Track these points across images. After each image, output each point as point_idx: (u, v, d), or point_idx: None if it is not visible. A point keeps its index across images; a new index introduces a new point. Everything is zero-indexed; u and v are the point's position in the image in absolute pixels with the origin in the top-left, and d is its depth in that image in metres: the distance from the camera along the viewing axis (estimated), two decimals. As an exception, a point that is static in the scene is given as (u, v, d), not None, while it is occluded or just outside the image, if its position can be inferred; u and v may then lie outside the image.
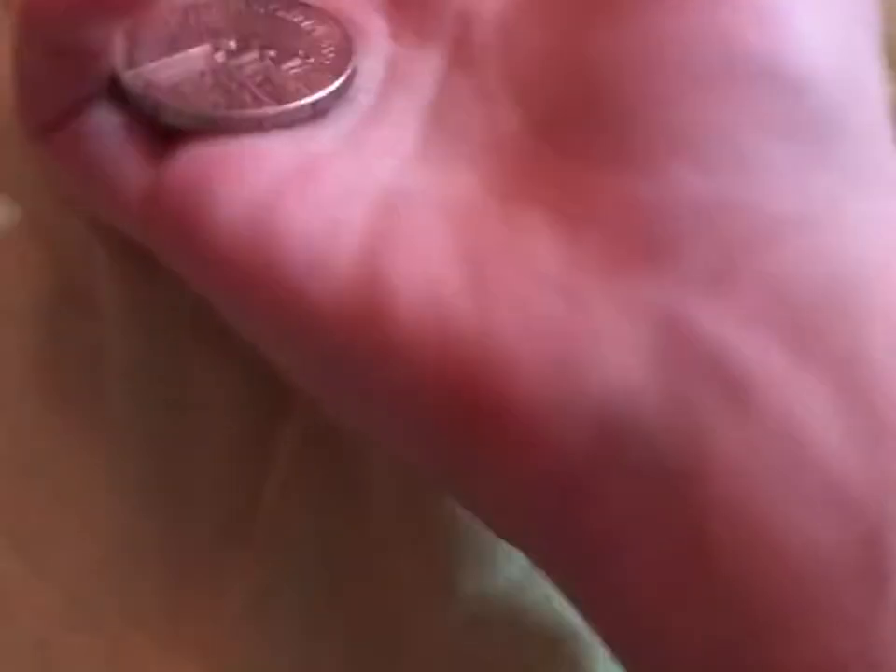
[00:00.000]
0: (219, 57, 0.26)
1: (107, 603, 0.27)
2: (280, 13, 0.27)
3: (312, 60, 0.26)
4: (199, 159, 0.24)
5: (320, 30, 0.27)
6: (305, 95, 0.25)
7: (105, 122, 0.25)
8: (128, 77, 0.25)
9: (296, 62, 0.26)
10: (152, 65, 0.25)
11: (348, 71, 0.26)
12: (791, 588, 0.21)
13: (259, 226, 0.23)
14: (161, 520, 0.28)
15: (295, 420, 0.28)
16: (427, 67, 0.26)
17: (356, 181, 0.24)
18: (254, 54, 0.26)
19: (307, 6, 0.27)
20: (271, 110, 0.25)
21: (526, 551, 0.23)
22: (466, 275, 0.22)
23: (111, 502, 0.28)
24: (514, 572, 0.27)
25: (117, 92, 0.25)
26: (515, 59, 0.25)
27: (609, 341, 0.21)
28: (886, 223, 0.22)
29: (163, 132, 0.25)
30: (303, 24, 0.27)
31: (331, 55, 0.26)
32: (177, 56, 0.26)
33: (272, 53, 0.26)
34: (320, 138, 0.25)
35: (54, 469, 0.28)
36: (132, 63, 0.25)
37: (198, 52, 0.26)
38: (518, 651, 0.27)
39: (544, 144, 0.24)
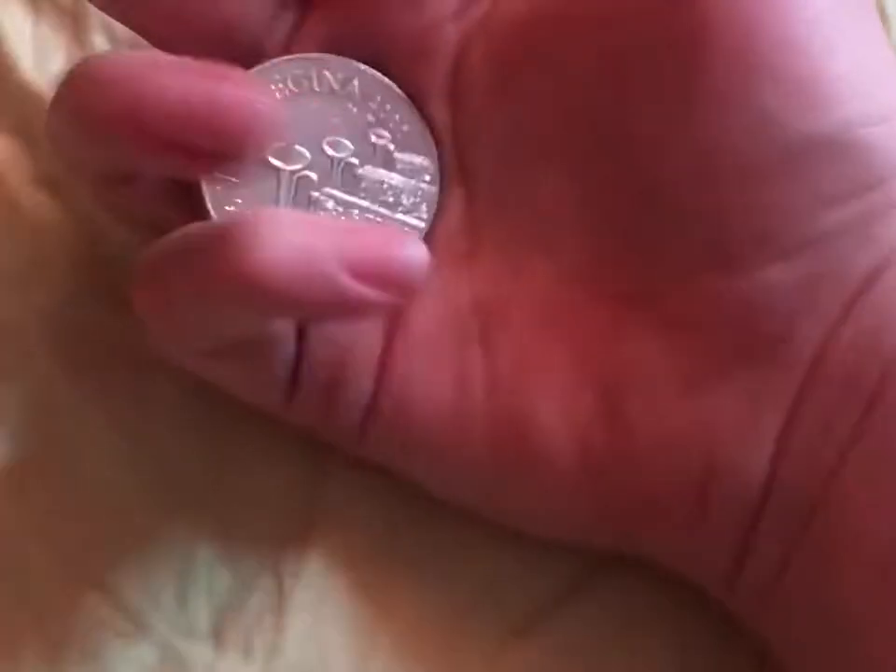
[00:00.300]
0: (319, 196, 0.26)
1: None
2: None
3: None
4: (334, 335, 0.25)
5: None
6: (416, 223, 0.26)
7: None
8: None
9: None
10: None
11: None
12: None
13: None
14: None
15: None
16: (438, 125, 0.26)
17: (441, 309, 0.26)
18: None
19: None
20: None
21: None
22: (599, 403, 0.24)
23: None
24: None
25: None
26: (538, 118, 0.26)
27: (742, 434, 0.23)
28: None
29: None
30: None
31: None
32: None
33: (356, 162, 0.26)
34: None
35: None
36: None
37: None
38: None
39: (614, 239, 0.25)
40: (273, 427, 0.28)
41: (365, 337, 0.26)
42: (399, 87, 0.27)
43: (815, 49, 0.23)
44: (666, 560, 0.25)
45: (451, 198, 0.26)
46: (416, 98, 0.27)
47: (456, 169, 0.26)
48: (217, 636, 0.27)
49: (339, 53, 0.27)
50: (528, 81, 0.26)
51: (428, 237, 0.26)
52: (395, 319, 0.26)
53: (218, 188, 0.26)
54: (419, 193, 0.26)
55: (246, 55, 0.26)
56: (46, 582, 0.27)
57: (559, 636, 0.27)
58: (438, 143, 0.27)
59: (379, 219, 0.26)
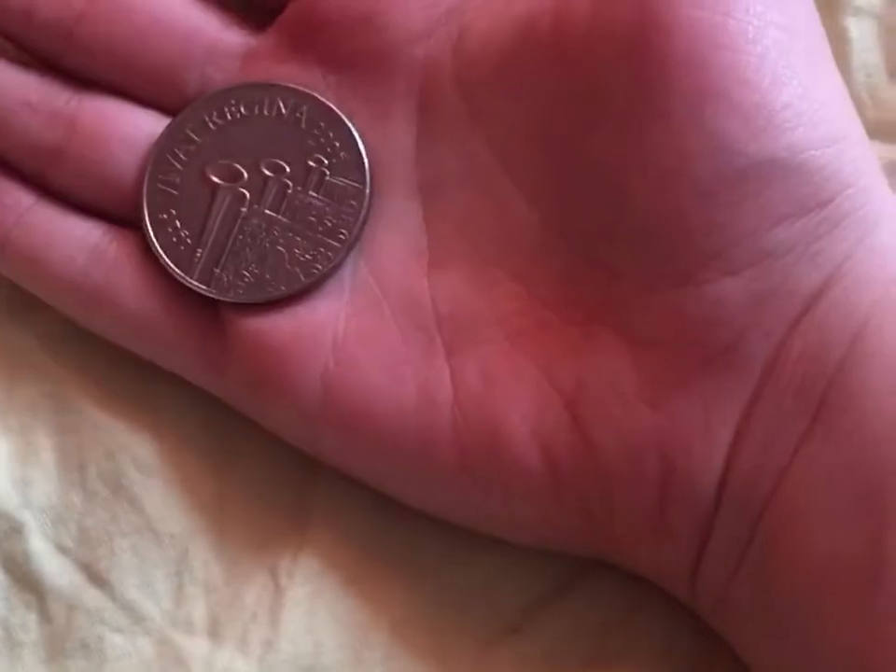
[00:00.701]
0: (248, 212, 0.27)
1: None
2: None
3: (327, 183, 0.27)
4: (264, 340, 0.26)
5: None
6: (333, 251, 0.27)
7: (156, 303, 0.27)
8: (195, 282, 0.27)
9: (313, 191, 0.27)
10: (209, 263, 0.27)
11: (367, 196, 0.27)
12: None
13: (335, 395, 0.26)
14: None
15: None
16: (403, 145, 0.27)
17: (406, 324, 0.26)
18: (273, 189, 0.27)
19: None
20: (300, 286, 0.27)
21: None
22: (563, 413, 0.25)
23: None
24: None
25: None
26: (503, 141, 0.27)
27: (698, 439, 0.24)
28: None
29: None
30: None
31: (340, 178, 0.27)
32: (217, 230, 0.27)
33: (289, 183, 0.27)
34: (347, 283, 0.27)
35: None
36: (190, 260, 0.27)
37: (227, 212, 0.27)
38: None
39: (578, 259, 0.26)
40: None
41: (305, 339, 0.26)
42: (361, 107, 0.28)
43: (765, 80, 0.24)
44: (634, 565, 0.26)
45: (410, 215, 0.27)
46: (377, 119, 0.27)
47: (418, 186, 0.27)
48: (214, 630, 0.27)
49: (294, 76, 0.28)
50: (495, 106, 0.27)
51: (378, 249, 0.27)
52: (350, 325, 0.26)
53: (157, 197, 0.27)
54: (342, 216, 0.27)
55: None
56: (46, 577, 0.28)
57: (551, 631, 0.27)
58: (398, 162, 0.27)
59: (299, 238, 0.27)
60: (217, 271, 0.27)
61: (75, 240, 0.28)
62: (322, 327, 0.26)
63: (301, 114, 0.28)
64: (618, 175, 0.25)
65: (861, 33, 0.31)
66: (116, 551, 0.28)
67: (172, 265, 0.27)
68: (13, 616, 0.28)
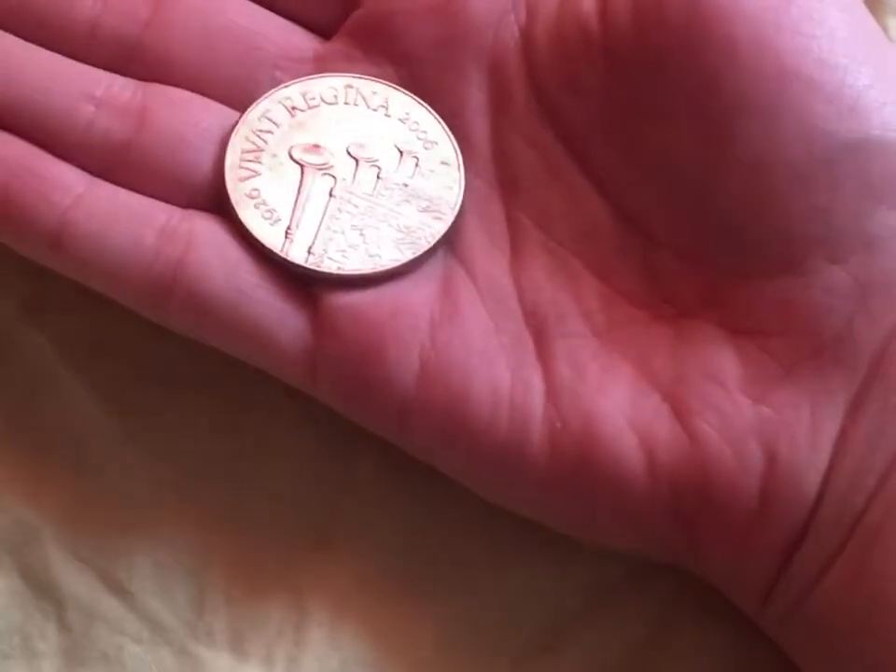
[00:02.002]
0: (341, 193, 0.27)
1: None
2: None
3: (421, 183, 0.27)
4: (363, 316, 0.26)
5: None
6: (430, 232, 0.26)
7: (247, 281, 0.26)
8: (292, 257, 0.26)
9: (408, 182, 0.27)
10: (305, 237, 0.26)
11: (461, 193, 0.27)
12: None
13: (430, 376, 0.25)
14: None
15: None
16: (479, 138, 0.27)
17: (496, 311, 0.26)
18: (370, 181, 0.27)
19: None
20: (403, 261, 0.26)
21: None
22: (662, 406, 0.25)
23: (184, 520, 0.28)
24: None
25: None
26: (574, 136, 0.26)
27: (804, 432, 0.24)
28: None
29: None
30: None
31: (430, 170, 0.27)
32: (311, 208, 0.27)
33: (380, 167, 0.27)
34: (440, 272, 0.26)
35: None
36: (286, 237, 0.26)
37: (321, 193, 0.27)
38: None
39: (662, 256, 0.25)
40: (291, 436, 0.28)
41: (403, 318, 0.26)
42: (435, 101, 0.27)
43: (841, 59, 0.24)
44: (708, 569, 0.26)
45: (491, 205, 0.27)
46: (451, 112, 0.27)
47: (496, 179, 0.27)
48: (236, 643, 0.27)
49: (368, 73, 0.28)
50: (563, 99, 0.26)
51: (462, 238, 0.27)
52: (445, 309, 0.26)
53: (242, 176, 0.26)
54: (440, 196, 0.27)
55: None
56: (65, 587, 0.27)
57: (586, 649, 0.27)
58: (476, 154, 0.27)
59: (396, 218, 0.26)
60: (316, 247, 0.26)
61: (141, 217, 0.26)
62: (420, 305, 0.26)
63: (385, 104, 0.27)
64: (701, 168, 0.25)
65: (903, 31, 0.31)
66: (136, 560, 0.27)
67: (266, 242, 0.26)
68: (31, 625, 0.27)
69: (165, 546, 0.28)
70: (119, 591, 0.27)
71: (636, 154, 0.26)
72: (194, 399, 0.28)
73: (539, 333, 0.26)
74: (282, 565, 0.28)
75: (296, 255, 0.26)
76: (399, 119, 0.27)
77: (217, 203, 0.27)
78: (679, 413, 0.25)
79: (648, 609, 0.27)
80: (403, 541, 0.27)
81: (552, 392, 0.25)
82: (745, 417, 0.24)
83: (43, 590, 0.27)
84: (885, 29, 0.31)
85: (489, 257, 0.26)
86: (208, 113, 0.27)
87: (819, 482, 0.24)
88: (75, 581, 0.27)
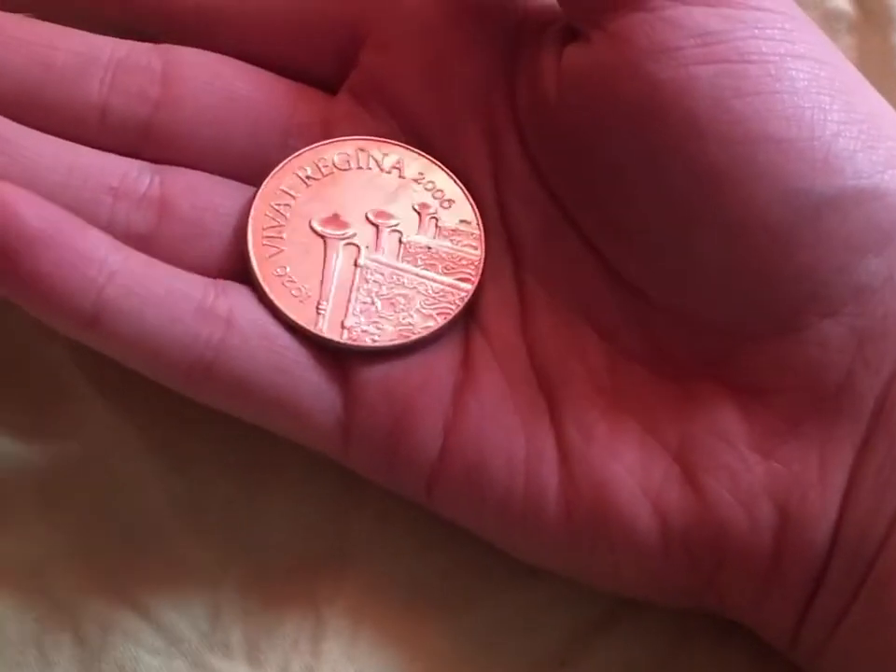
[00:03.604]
0: (367, 262, 0.27)
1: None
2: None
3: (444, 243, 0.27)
4: (394, 387, 0.26)
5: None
6: (458, 295, 0.26)
7: (286, 359, 0.26)
8: (327, 334, 0.26)
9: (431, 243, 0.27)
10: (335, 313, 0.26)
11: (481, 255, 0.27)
12: None
13: (452, 444, 0.25)
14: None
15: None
16: (486, 197, 0.27)
17: (511, 375, 0.26)
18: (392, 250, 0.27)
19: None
20: (436, 327, 0.26)
21: None
22: (672, 467, 0.25)
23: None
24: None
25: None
26: (566, 197, 0.26)
27: (813, 485, 0.24)
28: None
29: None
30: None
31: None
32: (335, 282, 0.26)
33: (402, 231, 0.27)
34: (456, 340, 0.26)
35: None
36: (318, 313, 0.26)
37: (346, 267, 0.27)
38: None
39: (661, 319, 0.25)
40: (305, 448, 0.28)
41: (431, 388, 0.26)
42: (440, 158, 0.28)
43: (805, 112, 0.24)
44: (735, 616, 0.26)
45: (501, 265, 0.27)
46: (457, 171, 0.27)
47: (505, 240, 0.27)
48: (252, 655, 0.27)
49: (375, 133, 0.28)
50: (551, 169, 0.27)
51: (480, 300, 0.27)
52: (465, 376, 0.26)
53: (267, 255, 0.27)
54: (464, 257, 0.27)
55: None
56: (81, 598, 0.27)
57: (600, 663, 0.27)
58: (484, 215, 0.27)
59: (426, 281, 0.27)
60: (347, 321, 0.26)
61: (179, 293, 0.25)
62: (446, 374, 0.26)
63: (399, 165, 0.27)
64: (678, 233, 0.25)
65: (912, 49, 0.31)
66: (151, 572, 0.27)
67: (297, 319, 0.26)
68: (46, 636, 0.27)
69: (181, 558, 0.28)
70: (135, 603, 0.27)
71: (615, 221, 0.26)
72: (209, 411, 0.28)
73: (550, 395, 0.26)
74: (297, 576, 0.28)
75: (331, 331, 0.26)
76: (414, 180, 0.27)
77: (243, 282, 0.27)
78: (689, 473, 0.25)
79: (666, 623, 0.27)
80: (418, 553, 0.28)
81: (564, 460, 0.25)
82: (754, 475, 0.24)
83: (58, 601, 0.27)
84: (894, 46, 0.31)
85: (503, 318, 0.27)
86: (224, 194, 0.27)
87: (830, 532, 0.24)
88: (90, 592, 0.27)
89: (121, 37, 0.28)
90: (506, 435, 0.25)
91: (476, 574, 0.27)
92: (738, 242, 0.24)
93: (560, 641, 0.27)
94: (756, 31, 0.24)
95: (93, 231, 0.25)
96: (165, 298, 0.25)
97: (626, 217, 0.25)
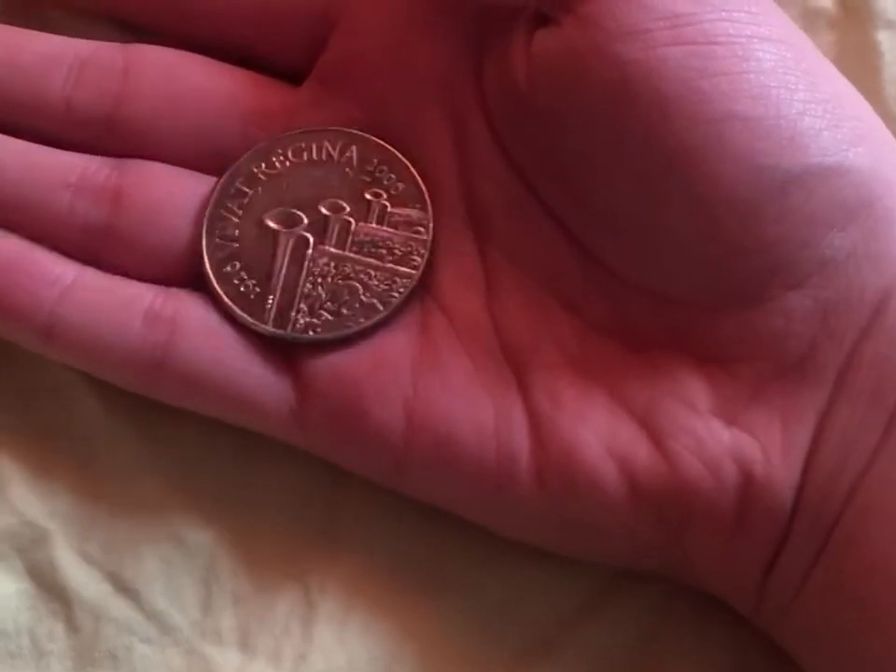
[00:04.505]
0: (313, 252, 0.27)
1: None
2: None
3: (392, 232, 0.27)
4: (343, 375, 0.26)
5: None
6: (403, 282, 0.27)
7: (231, 357, 0.27)
8: (271, 327, 0.27)
9: (380, 232, 0.27)
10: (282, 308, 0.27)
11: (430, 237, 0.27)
12: None
13: (417, 423, 0.26)
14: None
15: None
16: (447, 177, 0.28)
17: (475, 350, 0.26)
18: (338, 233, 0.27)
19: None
20: (379, 316, 0.27)
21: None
22: (639, 432, 0.25)
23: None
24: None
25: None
26: (532, 174, 0.27)
27: (775, 450, 0.24)
28: None
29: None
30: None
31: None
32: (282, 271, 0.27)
33: (351, 220, 0.27)
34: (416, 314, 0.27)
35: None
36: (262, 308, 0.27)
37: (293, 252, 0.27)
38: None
39: (628, 292, 0.26)
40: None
41: (383, 372, 0.26)
42: (401, 142, 0.28)
43: (772, 91, 0.24)
44: (702, 580, 0.26)
45: (464, 243, 0.27)
46: (418, 152, 0.28)
47: (469, 220, 0.27)
48: (244, 641, 0.27)
49: (334, 120, 0.28)
50: (517, 139, 0.27)
51: (439, 279, 0.27)
52: (426, 356, 0.26)
53: (218, 252, 0.27)
54: (411, 243, 0.27)
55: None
56: (73, 586, 0.27)
57: (586, 645, 0.27)
58: (446, 195, 0.28)
59: (371, 270, 0.27)
60: (292, 314, 0.27)
61: (127, 304, 0.27)
62: (400, 356, 0.26)
63: (351, 153, 0.28)
64: (647, 210, 0.25)
65: (893, 45, 0.31)
66: (143, 560, 0.28)
67: (244, 315, 0.27)
68: (40, 625, 0.27)
69: (172, 545, 0.28)
70: (127, 591, 0.28)
71: (583, 199, 0.26)
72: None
73: (518, 367, 0.26)
74: (288, 562, 0.28)
75: (276, 324, 0.27)
76: (367, 167, 0.28)
77: (198, 276, 0.27)
78: (655, 438, 0.25)
79: (649, 607, 0.28)
80: (408, 537, 0.28)
81: (533, 425, 0.26)
82: (719, 439, 0.25)
83: (51, 590, 0.27)
84: (876, 44, 0.31)
85: (465, 295, 0.27)
86: (183, 185, 0.28)
87: (792, 496, 0.24)
88: (83, 581, 0.28)
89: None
90: (473, 409, 0.26)
91: (465, 558, 0.28)
92: (706, 218, 0.25)
93: (546, 624, 0.28)
94: (724, 13, 0.25)
95: (44, 255, 0.27)
96: (114, 308, 0.27)
97: (595, 194, 0.26)
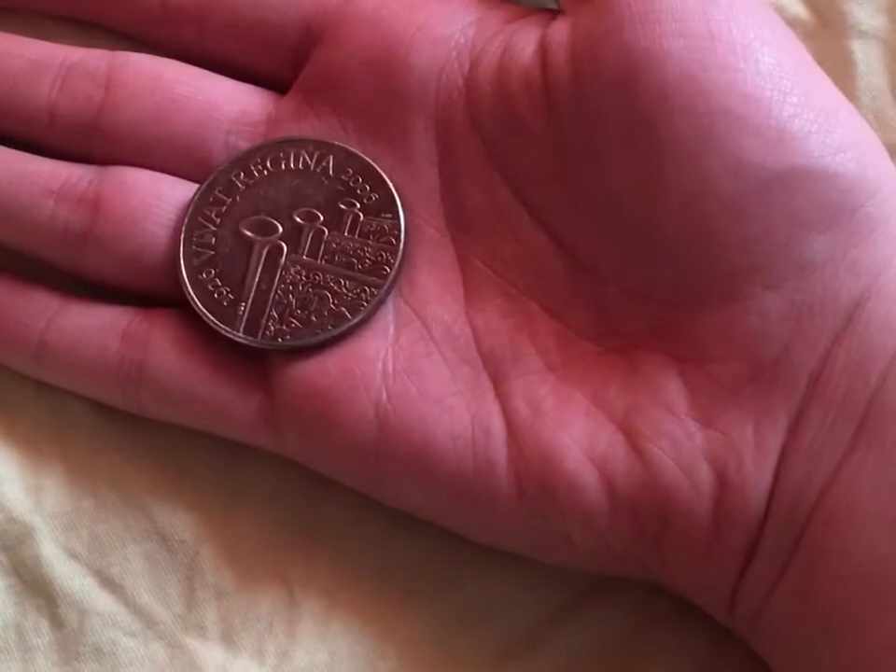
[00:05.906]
0: (286, 261, 0.27)
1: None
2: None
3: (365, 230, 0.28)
4: (313, 383, 0.27)
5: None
6: (373, 290, 0.27)
7: (202, 371, 0.28)
8: (243, 336, 0.27)
9: (352, 237, 0.28)
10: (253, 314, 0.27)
11: (402, 238, 0.27)
12: None
13: (391, 430, 0.26)
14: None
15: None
16: (428, 184, 0.28)
17: (451, 357, 0.27)
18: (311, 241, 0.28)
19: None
20: (347, 324, 0.27)
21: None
22: (617, 435, 0.25)
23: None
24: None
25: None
26: (520, 179, 0.27)
27: (749, 452, 0.25)
28: None
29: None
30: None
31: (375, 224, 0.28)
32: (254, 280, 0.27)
33: (324, 229, 0.28)
34: (391, 321, 0.27)
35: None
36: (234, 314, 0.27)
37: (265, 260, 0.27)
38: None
39: (610, 291, 0.26)
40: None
41: (353, 380, 0.27)
42: (383, 151, 0.28)
43: (765, 92, 0.25)
44: (677, 584, 0.26)
45: (443, 252, 0.28)
46: (399, 160, 0.28)
47: (447, 225, 0.28)
48: (227, 636, 0.28)
49: (314, 130, 0.28)
50: (507, 145, 0.27)
51: (416, 287, 0.27)
52: (400, 363, 0.27)
53: (194, 259, 0.28)
54: (382, 253, 0.27)
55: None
56: (57, 581, 0.28)
57: (566, 646, 0.28)
58: (425, 202, 0.28)
59: (341, 279, 0.27)
60: (263, 321, 0.27)
61: (106, 327, 0.28)
62: (371, 362, 0.27)
63: (327, 162, 0.28)
64: (640, 207, 0.25)
65: (867, 55, 0.31)
66: (127, 555, 0.28)
67: (216, 321, 0.27)
68: (26, 620, 0.28)
69: (156, 541, 0.28)
70: (112, 585, 0.28)
71: (579, 197, 0.26)
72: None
73: (496, 374, 0.26)
74: (272, 559, 0.28)
75: (246, 332, 0.27)
76: (342, 176, 0.28)
77: (176, 282, 0.28)
78: (633, 441, 0.25)
79: (630, 608, 0.28)
80: (390, 536, 0.28)
81: (511, 430, 0.26)
82: (695, 441, 0.25)
83: (36, 585, 0.28)
84: (849, 53, 0.31)
85: (442, 302, 0.27)
86: (163, 192, 0.28)
87: (765, 499, 0.25)
88: (68, 576, 0.28)
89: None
90: (449, 417, 0.26)
91: (447, 559, 0.28)
92: (692, 212, 0.25)
93: (528, 625, 0.28)
94: (730, 14, 0.25)
95: (32, 287, 0.29)
96: (94, 331, 0.28)
97: (594, 191, 0.26)
